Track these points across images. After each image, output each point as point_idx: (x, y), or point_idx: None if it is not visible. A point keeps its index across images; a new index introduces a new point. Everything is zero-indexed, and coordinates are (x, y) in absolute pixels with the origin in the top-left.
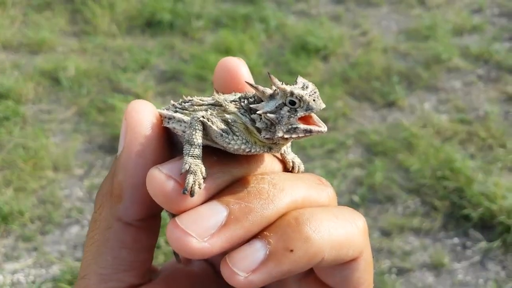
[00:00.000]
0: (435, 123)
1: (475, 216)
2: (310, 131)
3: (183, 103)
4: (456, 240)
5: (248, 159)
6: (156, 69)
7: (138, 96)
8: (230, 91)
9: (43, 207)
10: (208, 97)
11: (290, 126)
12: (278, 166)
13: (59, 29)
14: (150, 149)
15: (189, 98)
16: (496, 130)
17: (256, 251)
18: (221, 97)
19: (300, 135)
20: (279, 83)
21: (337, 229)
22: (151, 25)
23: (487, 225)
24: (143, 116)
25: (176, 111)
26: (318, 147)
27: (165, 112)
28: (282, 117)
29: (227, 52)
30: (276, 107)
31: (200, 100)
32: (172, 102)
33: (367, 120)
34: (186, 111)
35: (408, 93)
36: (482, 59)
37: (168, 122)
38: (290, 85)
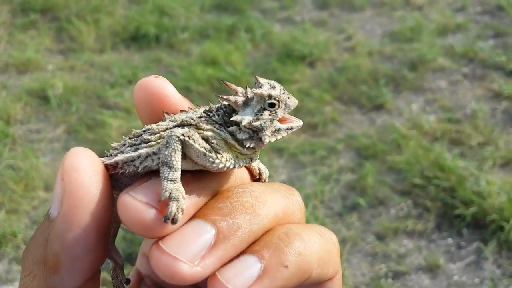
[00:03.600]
0: (424, 123)
1: (468, 216)
2: (291, 128)
3: (140, 136)
4: (450, 240)
5: (222, 172)
6: None
7: (127, 111)
8: (156, 115)
9: (35, 228)
10: (164, 122)
11: (273, 129)
12: (246, 174)
13: (45, 48)
14: (93, 215)
15: (144, 128)
16: (484, 128)
17: (250, 266)
18: (183, 116)
19: (284, 135)
20: (240, 88)
21: (322, 247)
22: (136, 39)
23: (480, 224)
24: (85, 176)
25: (137, 148)
26: (309, 154)
27: (121, 157)
28: (265, 122)
29: (214, 63)
30: (256, 114)
31: (160, 126)
32: (120, 143)
33: (356, 124)
34: (151, 142)
35: (395, 95)
36: (467, 57)
37: (129, 166)
38: (254, 88)
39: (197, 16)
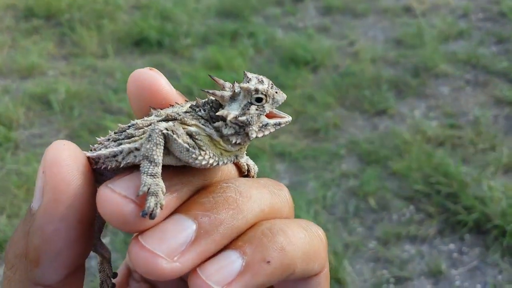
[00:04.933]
0: (426, 129)
1: (470, 221)
2: (279, 124)
3: (124, 131)
4: (452, 246)
5: (207, 168)
6: None
7: (130, 116)
8: (147, 108)
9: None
10: (150, 116)
11: (261, 124)
12: (234, 170)
13: (48, 53)
14: (75, 208)
15: (130, 123)
16: (487, 134)
17: (232, 262)
18: (168, 111)
19: (271, 130)
20: (228, 83)
21: (307, 242)
22: (139, 44)
23: (483, 230)
24: (67, 169)
25: (120, 143)
26: (311, 159)
27: (104, 151)
28: (252, 117)
29: (217, 68)
30: (242, 109)
31: (145, 121)
32: (105, 137)
33: (359, 129)
34: (135, 137)
35: (398, 101)
36: (469, 64)
37: (111, 161)
38: (243, 82)
39: (200, 21)
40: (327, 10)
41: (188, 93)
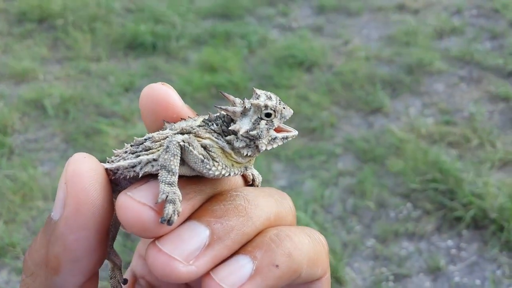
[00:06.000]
0: (421, 127)
1: (468, 217)
2: (287, 138)
3: (141, 144)
4: (450, 242)
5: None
6: (141, 91)
7: (125, 119)
8: (160, 121)
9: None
10: (164, 130)
11: (270, 138)
12: (240, 180)
13: (42, 57)
14: (95, 219)
15: (146, 136)
16: (482, 130)
17: (243, 266)
18: (182, 124)
19: (279, 144)
20: (238, 99)
21: (311, 248)
22: (133, 47)
23: (480, 225)
24: (88, 181)
25: (138, 155)
26: (308, 158)
27: (123, 163)
28: (262, 131)
29: (211, 69)
30: (253, 123)
31: (160, 134)
32: (121, 150)
33: (354, 128)
34: (152, 150)
35: (392, 99)
36: (463, 60)
37: (129, 171)
38: (252, 98)
39: (193, 23)
40: (321, 10)
41: (182, 96)
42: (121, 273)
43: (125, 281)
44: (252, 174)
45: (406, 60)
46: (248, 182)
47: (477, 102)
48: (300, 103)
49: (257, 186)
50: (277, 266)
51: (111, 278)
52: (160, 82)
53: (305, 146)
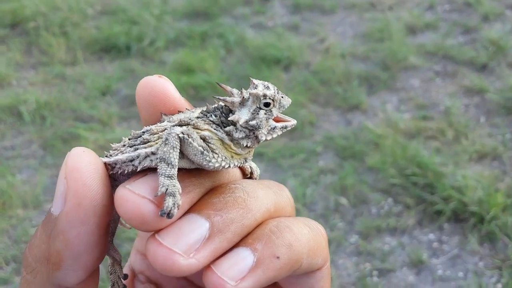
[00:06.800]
0: (399, 122)
1: (448, 210)
2: (286, 127)
3: (139, 137)
4: (432, 236)
5: (216, 170)
6: (118, 94)
7: (103, 123)
8: (157, 114)
9: (16, 247)
10: (161, 122)
11: (269, 128)
12: (238, 172)
13: (16, 63)
14: (95, 213)
15: (143, 129)
16: (458, 124)
17: (244, 258)
18: (180, 116)
19: (279, 133)
20: (235, 90)
21: (311, 238)
22: (108, 50)
23: (460, 218)
24: (87, 175)
25: (136, 149)
26: (289, 157)
27: (121, 156)
28: (261, 121)
29: (188, 70)
30: (252, 113)
31: (159, 127)
32: (119, 144)
33: (333, 125)
34: (151, 142)
35: (369, 96)
36: (437, 55)
37: (128, 165)
38: (249, 89)
39: (169, 24)
40: (296, 8)
41: None
42: (121, 268)
43: (126, 276)
44: (250, 167)
45: (381, 57)
46: (246, 175)
47: (452, 96)
48: None
49: (256, 179)
50: (278, 257)
51: (111, 274)
52: (157, 75)
53: (286, 145)
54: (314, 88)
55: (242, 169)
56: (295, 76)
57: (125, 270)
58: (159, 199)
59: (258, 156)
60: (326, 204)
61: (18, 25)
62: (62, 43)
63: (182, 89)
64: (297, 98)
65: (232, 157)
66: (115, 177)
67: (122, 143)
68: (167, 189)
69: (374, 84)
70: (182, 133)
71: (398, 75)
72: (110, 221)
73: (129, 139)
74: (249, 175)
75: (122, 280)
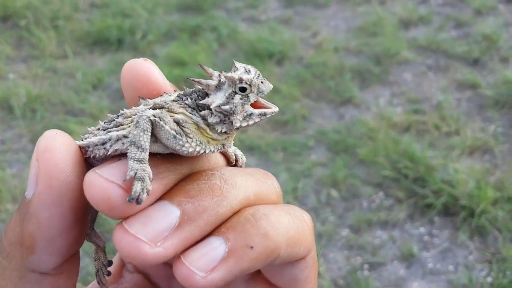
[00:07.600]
0: (391, 116)
1: (439, 204)
2: (265, 114)
3: (113, 120)
4: (422, 229)
5: (194, 156)
6: (109, 87)
7: (93, 117)
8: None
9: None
10: (138, 106)
11: (245, 114)
12: (222, 160)
13: (6, 56)
14: (68, 195)
15: (119, 113)
16: (450, 118)
17: (215, 248)
18: (156, 100)
19: (256, 120)
20: (216, 72)
21: (291, 226)
22: (99, 43)
23: (451, 212)
24: (59, 156)
25: (109, 131)
26: (281, 151)
27: (93, 139)
28: (236, 106)
29: (181, 64)
30: (227, 98)
31: (133, 110)
32: (95, 127)
33: (326, 119)
34: (123, 125)
35: (362, 90)
36: (430, 49)
37: (100, 149)
38: (230, 72)
39: (161, 17)
40: (289, 2)
41: None
42: (105, 254)
43: (110, 263)
44: (235, 154)
45: (374, 51)
46: (231, 163)
47: (444, 90)
48: (272, 96)
49: (241, 167)
50: (251, 247)
51: (95, 260)
52: (143, 58)
53: (278, 139)
54: (307, 82)
55: (226, 156)
56: (288, 70)
57: (115, 259)
58: (128, 184)
59: (249, 150)
60: (317, 198)
61: (8, 18)
62: (53, 37)
63: (174, 82)
64: (290, 92)
65: (208, 142)
66: (89, 161)
67: (97, 127)
68: (136, 173)
69: (366, 78)
70: (154, 116)
71: (390, 69)
72: (87, 206)
73: (104, 123)
74: (234, 163)
75: (107, 267)
